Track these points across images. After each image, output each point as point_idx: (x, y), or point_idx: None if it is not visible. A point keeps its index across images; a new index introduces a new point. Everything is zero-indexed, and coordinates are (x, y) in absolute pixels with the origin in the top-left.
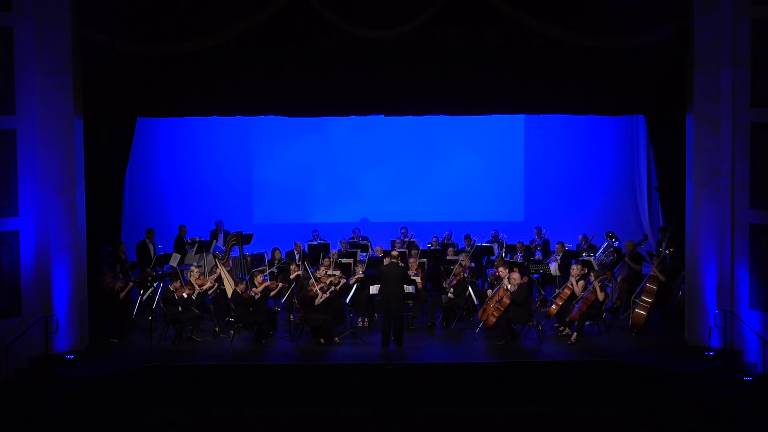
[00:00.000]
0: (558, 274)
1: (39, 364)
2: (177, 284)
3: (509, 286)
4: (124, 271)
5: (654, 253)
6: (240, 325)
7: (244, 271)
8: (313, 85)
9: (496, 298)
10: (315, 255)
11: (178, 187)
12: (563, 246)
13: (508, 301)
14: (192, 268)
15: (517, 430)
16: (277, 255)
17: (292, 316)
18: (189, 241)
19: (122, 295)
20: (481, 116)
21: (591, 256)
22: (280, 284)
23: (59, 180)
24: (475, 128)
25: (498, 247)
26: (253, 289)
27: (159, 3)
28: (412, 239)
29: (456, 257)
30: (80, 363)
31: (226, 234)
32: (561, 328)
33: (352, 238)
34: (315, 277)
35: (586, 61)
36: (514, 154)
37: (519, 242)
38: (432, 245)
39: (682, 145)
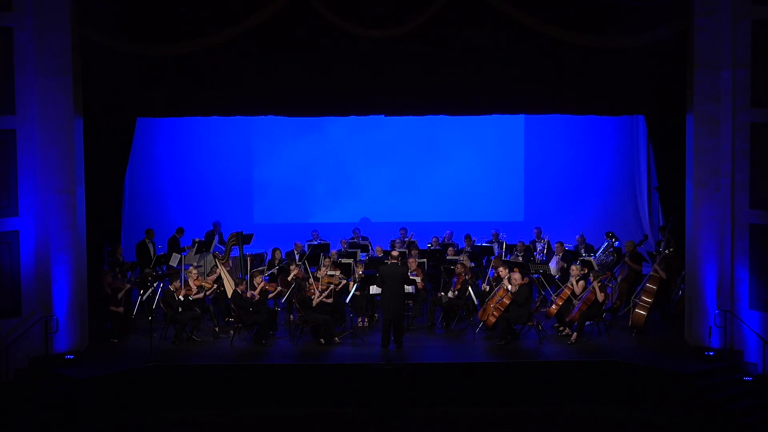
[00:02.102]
0: (558, 274)
1: (39, 364)
2: (177, 284)
3: (510, 287)
4: (122, 272)
5: (654, 252)
6: (240, 325)
7: (244, 271)
8: (313, 85)
9: (497, 298)
10: (315, 255)
11: (178, 187)
12: (563, 246)
13: (508, 302)
14: (190, 268)
15: (517, 430)
16: (278, 255)
17: (292, 316)
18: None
19: (120, 295)
20: (481, 116)
21: (591, 256)
22: (279, 288)
23: (59, 180)
24: (475, 128)
25: (498, 247)
26: (251, 291)
27: (159, 3)
28: (412, 239)
29: (456, 257)
30: (80, 363)
31: (221, 236)
32: (561, 328)
33: (353, 238)
34: (315, 277)
35: (586, 61)
36: (514, 154)
37: (519, 242)
38: (432, 245)
39: (682, 145)
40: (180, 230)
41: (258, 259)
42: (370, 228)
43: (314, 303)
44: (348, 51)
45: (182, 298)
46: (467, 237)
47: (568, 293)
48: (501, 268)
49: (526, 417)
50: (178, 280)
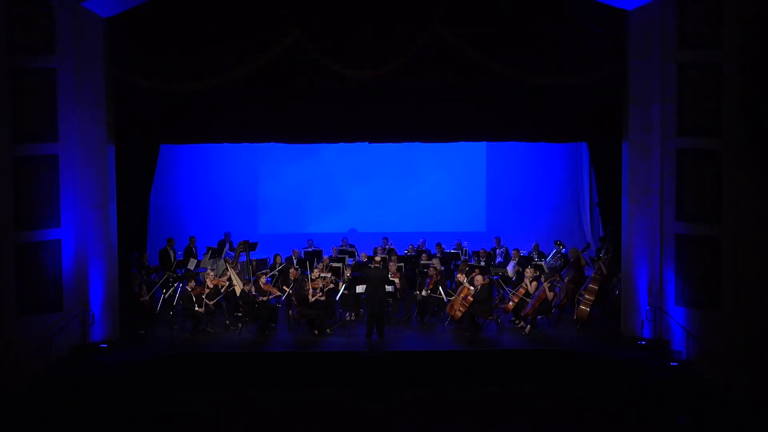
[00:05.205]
0: (514, 276)
1: (78, 351)
2: (193, 284)
3: (472, 287)
4: (147, 274)
5: (595, 258)
6: (247, 319)
7: (250, 273)
8: (309, 116)
9: (462, 296)
10: (310, 260)
11: (194, 203)
12: (519, 252)
13: (471, 299)
14: (208, 271)
15: (481, 409)
16: (278, 260)
17: (290, 312)
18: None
19: (144, 293)
20: (449, 143)
21: (542, 261)
22: (278, 292)
23: (95, 197)
24: (444, 153)
25: (462, 254)
26: (255, 291)
27: (177, 49)
28: (391, 246)
29: (429, 262)
30: (113, 351)
31: (231, 244)
32: (517, 322)
33: (342, 246)
34: (309, 279)
35: (539, 97)
36: (477, 175)
37: (482, 249)
38: (408, 252)
39: (619, 167)
40: (192, 239)
41: (262, 264)
42: (357, 237)
43: (311, 299)
44: (338, 90)
45: (204, 295)
46: (438, 245)
47: (523, 292)
48: (460, 275)
49: (488, 397)
50: (194, 281)
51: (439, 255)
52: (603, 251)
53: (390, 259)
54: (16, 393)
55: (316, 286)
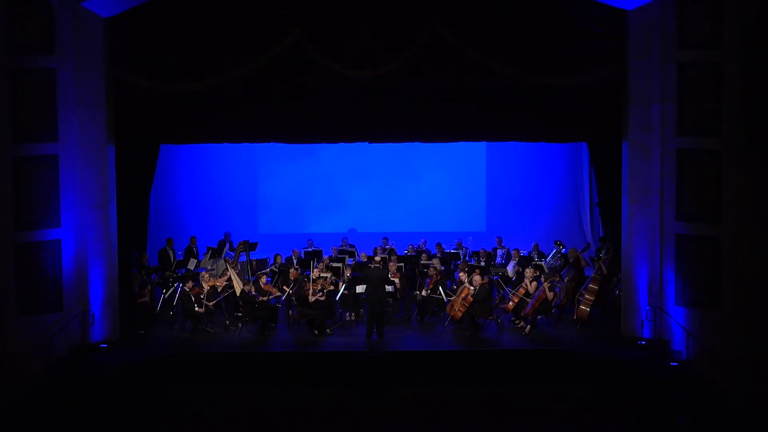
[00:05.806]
0: (514, 276)
1: (78, 351)
2: (190, 284)
3: (472, 287)
4: (147, 274)
5: (595, 258)
6: (247, 319)
7: (250, 273)
8: (309, 116)
9: (462, 296)
10: (310, 260)
11: (194, 202)
12: (518, 252)
13: (471, 299)
14: (203, 273)
15: (481, 409)
16: (278, 260)
17: (290, 312)
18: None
19: (145, 292)
20: (450, 143)
21: (542, 261)
22: (278, 292)
23: (94, 197)
24: (444, 152)
25: (462, 254)
26: (255, 291)
27: (177, 49)
28: (391, 246)
29: (429, 262)
30: (113, 351)
31: (231, 244)
32: (517, 322)
33: (341, 246)
34: (310, 279)
35: (539, 97)
36: (477, 174)
37: (482, 249)
38: (408, 251)
39: (618, 167)
40: (193, 239)
41: (262, 264)
42: (357, 237)
43: (310, 300)
44: (338, 90)
45: (203, 296)
46: (438, 245)
47: (523, 292)
48: (462, 274)
49: (488, 396)
50: (191, 281)
51: (439, 255)
52: (603, 251)
53: (390, 259)
54: (16, 393)
55: (316, 286)
